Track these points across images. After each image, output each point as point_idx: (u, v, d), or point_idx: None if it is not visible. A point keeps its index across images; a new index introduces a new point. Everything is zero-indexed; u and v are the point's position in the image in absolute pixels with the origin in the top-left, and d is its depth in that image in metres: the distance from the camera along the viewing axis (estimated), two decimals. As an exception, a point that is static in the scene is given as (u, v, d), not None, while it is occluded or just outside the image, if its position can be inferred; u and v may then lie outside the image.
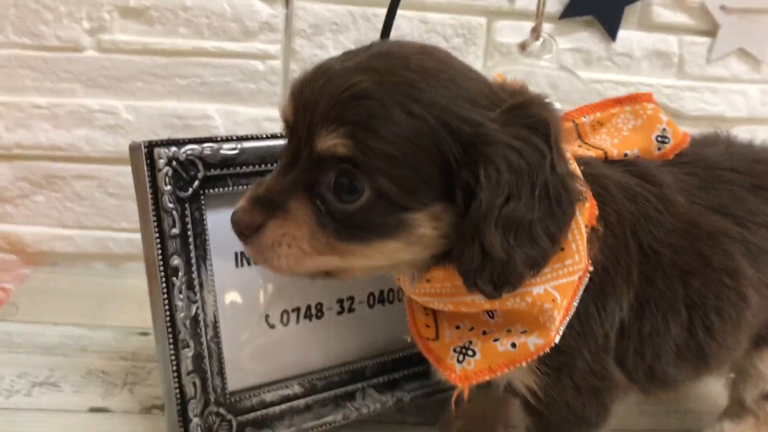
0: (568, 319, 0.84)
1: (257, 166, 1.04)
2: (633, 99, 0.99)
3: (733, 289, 0.95)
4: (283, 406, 1.06)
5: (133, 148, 0.99)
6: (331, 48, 1.54)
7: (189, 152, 0.99)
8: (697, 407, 1.30)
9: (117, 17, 1.51)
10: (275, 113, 1.57)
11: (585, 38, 1.60)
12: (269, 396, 1.06)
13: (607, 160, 0.96)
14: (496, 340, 0.84)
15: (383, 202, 0.76)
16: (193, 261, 1.00)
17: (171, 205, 0.97)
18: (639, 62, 1.62)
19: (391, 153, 0.74)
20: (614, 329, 0.90)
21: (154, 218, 0.97)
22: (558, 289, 0.81)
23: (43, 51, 1.51)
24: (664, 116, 0.99)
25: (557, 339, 0.83)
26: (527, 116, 0.77)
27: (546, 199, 0.76)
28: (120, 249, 1.62)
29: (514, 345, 0.83)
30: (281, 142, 1.06)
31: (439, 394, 1.19)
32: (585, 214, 0.83)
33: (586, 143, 0.98)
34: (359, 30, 1.54)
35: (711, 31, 1.62)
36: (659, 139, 0.97)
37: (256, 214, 0.80)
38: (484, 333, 0.86)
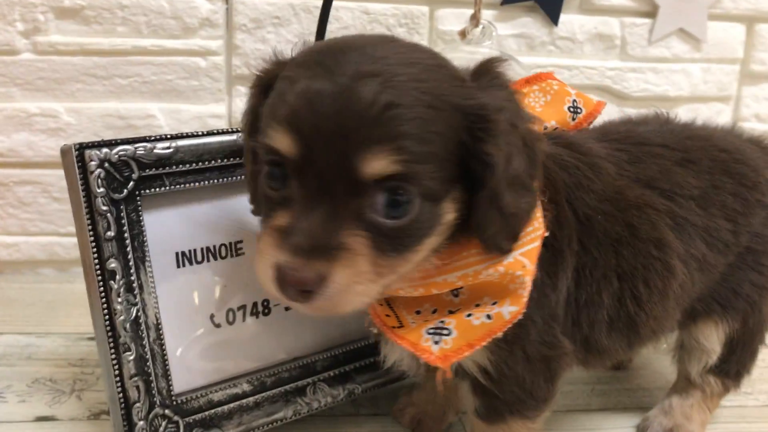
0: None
1: (194, 164, 1.03)
2: (538, 78, 1.04)
3: (659, 260, 0.96)
4: (232, 405, 1.05)
5: (64, 152, 0.97)
6: (273, 42, 1.53)
7: (121, 153, 0.97)
8: (647, 384, 1.32)
9: (52, 18, 1.48)
10: (220, 110, 1.56)
11: (527, 23, 1.61)
12: (217, 396, 1.05)
13: None
14: (469, 315, 0.84)
15: (427, 202, 0.77)
16: (132, 263, 0.98)
17: (105, 208, 0.96)
18: (582, 45, 1.64)
19: (429, 152, 0.74)
20: (563, 297, 0.92)
21: (88, 222, 0.95)
22: (526, 255, 0.84)
23: (-23, 55, 1.48)
24: (571, 89, 1.04)
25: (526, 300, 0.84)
26: (494, 77, 0.81)
27: (525, 148, 0.81)
28: (68, 254, 1.60)
29: (489, 317, 0.83)
30: (218, 138, 1.05)
31: (391, 384, 1.19)
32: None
33: None
34: (301, 23, 1.53)
35: (651, 12, 1.64)
36: (571, 109, 1.02)
37: (318, 264, 0.73)
38: (451, 312, 0.86)
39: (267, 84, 0.83)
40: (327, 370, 1.14)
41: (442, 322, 0.85)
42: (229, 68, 1.55)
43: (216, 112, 1.56)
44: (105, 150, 0.96)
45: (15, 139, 1.52)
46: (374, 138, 0.71)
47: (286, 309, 1.13)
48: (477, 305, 0.85)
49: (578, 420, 1.19)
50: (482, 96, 0.78)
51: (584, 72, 1.64)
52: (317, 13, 1.51)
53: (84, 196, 0.95)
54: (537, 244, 0.85)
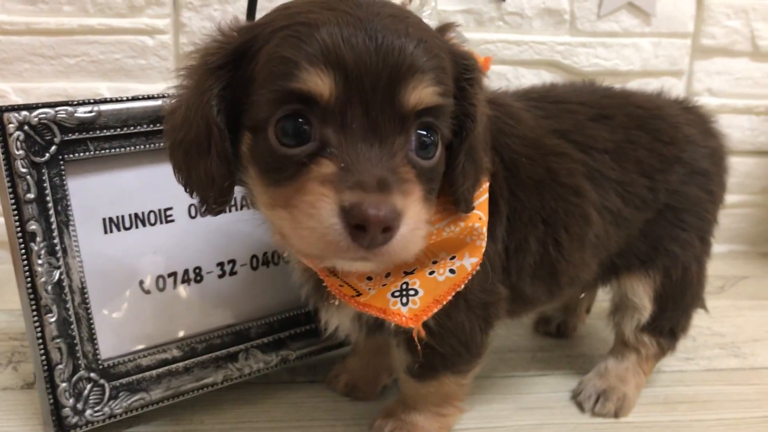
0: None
1: (119, 129, 1.03)
2: None
3: (578, 206, 0.98)
4: (161, 370, 1.06)
5: (-15, 116, 0.97)
6: (220, 19, 1.53)
7: (41, 116, 0.97)
8: (590, 351, 1.32)
9: (-2, -2, 1.49)
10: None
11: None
12: (146, 360, 1.05)
13: None
14: (431, 273, 0.85)
15: (442, 147, 0.79)
16: (54, 227, 0.98)
17: (24, 170, 0.96)
18: (531, 21, 1.64)
19: (449, 89, 0.77)
20: (500, 246, 0.94)
21: (9, 184, 0.96)
22: (480, 208, 0.86)
23: (-77, 36, 1.48)
24: None
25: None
26: (456, 37, 0.85)
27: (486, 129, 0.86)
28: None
29: (452, 271, 0.85)
30: (141, 103, 1.06)
31: (327, 351, 1.20)
32: None
33: None
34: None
35: (600, -14, 1.64)
36: None
37: (393, 198, 0.68)
38: (407, 273, 0.85)
39: (241, 52, 0.77)
40: (261, 337, 1.15)
41: (405, 283, 0.84)
42: (177, 47, 1.56)
43: (165, 90, 1.55)
44: (24, 113, 0.96)
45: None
46: (418, 67, 0.71)
47: (219, 277, 1.13)
48: (434, 262, 0.85)
49: (515, 385, 1.20)
50: (463, 53, 0.81)
51: (533, 47, 1.65)
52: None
53: (3, 159, 0.96)
54: (486, 196, 0.88)
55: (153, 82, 1.56)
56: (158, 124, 1.05)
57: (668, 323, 1.14)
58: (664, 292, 1.10)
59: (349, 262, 0.74)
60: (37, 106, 0.98)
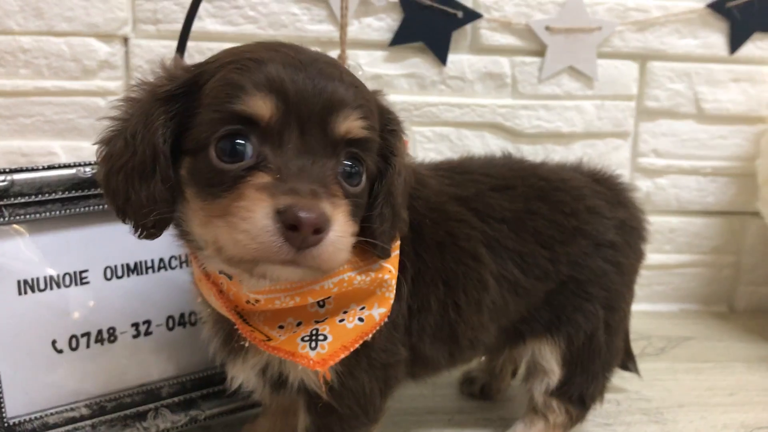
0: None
1: (33, 197, 1.08)
2: None
3: (476, 271, 1.02)
4: (68, 427, 1.09)
5: None
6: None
7: (-45, 184, 1.03)
8: (509, 415, 1.32)
9: (-42, 61, 1.57)
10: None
11: (417, 64, 1.66)
12: (53, 419, 1.09)
13: None
14: (341, 320, 0.89)
15: (366, 181, 0.86)
16: (-35, 289, 1.03)
17: (-65, 236, 1.01)
18: (472, 84, 1.68)
19: (376, 130, 0.85)
20: (403, 305, 0.98)
21: None
22: (390, 262, 0.92)
23: None
24: None
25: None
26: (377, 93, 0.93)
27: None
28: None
29: (361, 319, 0.89)
30: (56, 172, 1.11)
31: (240, 411, 1.22)
32: None
33: None
34: (195, 64, 1.60)
35: (540, 51, 1.69)
36: None
37: (323, 204, 0.75)
38: (318, 322, 0.90)
39: (189, 85, 0.84)
40: (172, 396, 1.18)
41: (316, 330, 0.89)
42: (128, 108, 1.62)
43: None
44: (-63, 181, 1.02)
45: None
46: (349, 103, 0.81)
47: (134, 337, 1.17)
48: (345, 312, 0.90)
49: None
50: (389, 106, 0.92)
51: (475, 110, 1.69)
52: (210, 53, 1.59)
53: None
54: (397, 252, 0.94)
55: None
56: (74, 191, 1.11)
57: (577, 389, 1.15)
58: (570, 357, 1.12)
59: (279, 268, 0.76)
60: (-51, 174, 1.03)
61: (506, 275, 1.04)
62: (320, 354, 0.87)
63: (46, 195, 1.09)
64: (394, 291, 0.91)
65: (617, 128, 1.76)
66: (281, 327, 0.90)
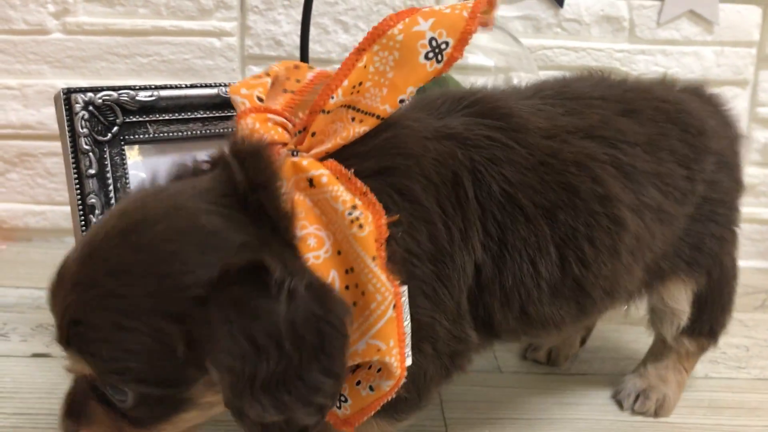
0: (408, 336, 0.77)
1: (177, 114, 1.10)
2: (372, 37, 0.81)
3: (605, 215, 0.90)
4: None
5: (56, 97, 1.05)
6: (284, 23, 1.60)
7: (105, 98, 1.05)
8: (634, 355, 1.30)
9: (80, 0, 1.59)
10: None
11: (533, 5, 1.63)
12: None
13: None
14: (358, 383, 0.80)
15: (150, 396, 0.70)
16: (113, 201, 1.05)
17: (87, 147, 1.03)
18: (589, 27, 1.64)
19: (119, 366, 0.68)
20: (464, 296, 0.86)
21: (72, 159, 1.03)
22: (378, 336, 0.74)
23: (12, 35, 1.60)
24: (422, 21, 0.78)
25: (408, 362, 0.77)
26: (235, 280, 0.66)
27: (304, 344, 0.66)
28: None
29: (371, 388, 0.78)
30: (200, 91, 1.12)
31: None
32: (369, 243, 0.73)
33: (359, 111, 0.81)
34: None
35: (659, -7, 1.64)
36: (430, 55, 0.78)
37: (68, 425, 0.76)
38: None
39: None
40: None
41: None
42: (242, 48, 1.63)
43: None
44: (90, 94, 1.04)
45: (44, 112, 1.63)
46: (63, 339, 0.71)
47: None
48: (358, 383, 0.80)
49: (555, 382, 1.19)
50: (199, 317, 0.66)
51: (591, 54, 1.65)
52: (325, -6, 1.59)
53: (69, 136, 1.03)
54: (388, 314, 0.74)
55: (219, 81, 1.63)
56: (214, 111, 1.12)
57: (708, 324, 1.12)
58: (704, 294, 1.08)
59: None
60: (101, 89, 1.05)
61: (647, 202, 0.95)
62: (345, 414, 0.81)
63: (188, 113, 1.10)
64: (396, 361, 0.75)
65: (736, 76, 1.70)
66: None
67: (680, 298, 1.08)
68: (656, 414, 1.11)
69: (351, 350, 0.73)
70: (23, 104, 1.63)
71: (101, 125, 1.04)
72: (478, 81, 1.21)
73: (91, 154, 1.03)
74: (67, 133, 1.03)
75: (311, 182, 0.76)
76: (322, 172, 0.75)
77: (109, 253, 0.70)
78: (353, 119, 0.80)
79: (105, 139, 1.05)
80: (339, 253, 0.74)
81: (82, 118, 1.03)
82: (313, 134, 0.81)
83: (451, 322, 0.85)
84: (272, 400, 0.65)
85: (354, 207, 0.73)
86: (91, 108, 1.03)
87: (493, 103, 0.90)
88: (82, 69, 1.62)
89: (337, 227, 0.74)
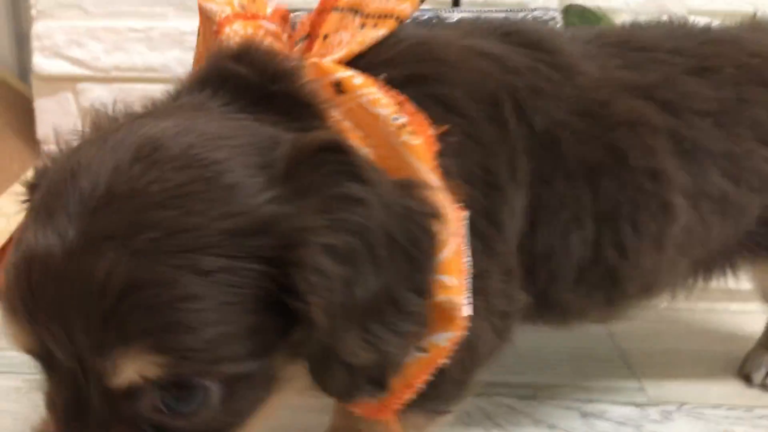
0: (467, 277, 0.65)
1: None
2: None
3: (654, 195, 0.78)
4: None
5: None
6: None
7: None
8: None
9: (204, -57, 1.60)
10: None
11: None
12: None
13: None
14: None
15: (237, 381, 0.56)
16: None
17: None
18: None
19: (211, 336, 0.52)
20: (514, 245, 0.75)
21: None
22: (443, 269, 0.61)
23: (138, -23, 1.64)
24: None
25: (469, 310, 0.64)
26: (312, 165, 0.56)
27: (397, 250, 0.56)
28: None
29: (422, 349, 0.65)
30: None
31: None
32: (424, 151, 0.62)
33: (368, 17, 0.70)
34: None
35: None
36: None
37: None
38: None
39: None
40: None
41: None
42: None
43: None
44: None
45: (168, 55, 1.66)
46: (112, 334, 0.51)
47: None
48: None
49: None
50: (283, 224, 0.54)
51: None
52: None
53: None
54: (456, 241, 0.62)
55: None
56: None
57: None
58: None
59: None
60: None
61: (708, 190, 0.81)
62: (380, 399, 0.65)
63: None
64: (462, 306, 0.63)
65: None
66: None
67: None
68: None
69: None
70: (147, 47, 1.66)
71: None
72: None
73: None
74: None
75: (339, 87, 0.63)
76: (353, 74, 0.63)
77: (136, 183, 0.53)
78: (363, 26, 0.68)
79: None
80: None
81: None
82: (326, 37, 0.69)
83: (501, 276, 0.73)
84: (369, 334, 0.55)
85: (398, 112, 0.61)
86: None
87: (536, 36, 0.79)
88: (204, 12, 1.64)
89: (380, 138, 0.61)
